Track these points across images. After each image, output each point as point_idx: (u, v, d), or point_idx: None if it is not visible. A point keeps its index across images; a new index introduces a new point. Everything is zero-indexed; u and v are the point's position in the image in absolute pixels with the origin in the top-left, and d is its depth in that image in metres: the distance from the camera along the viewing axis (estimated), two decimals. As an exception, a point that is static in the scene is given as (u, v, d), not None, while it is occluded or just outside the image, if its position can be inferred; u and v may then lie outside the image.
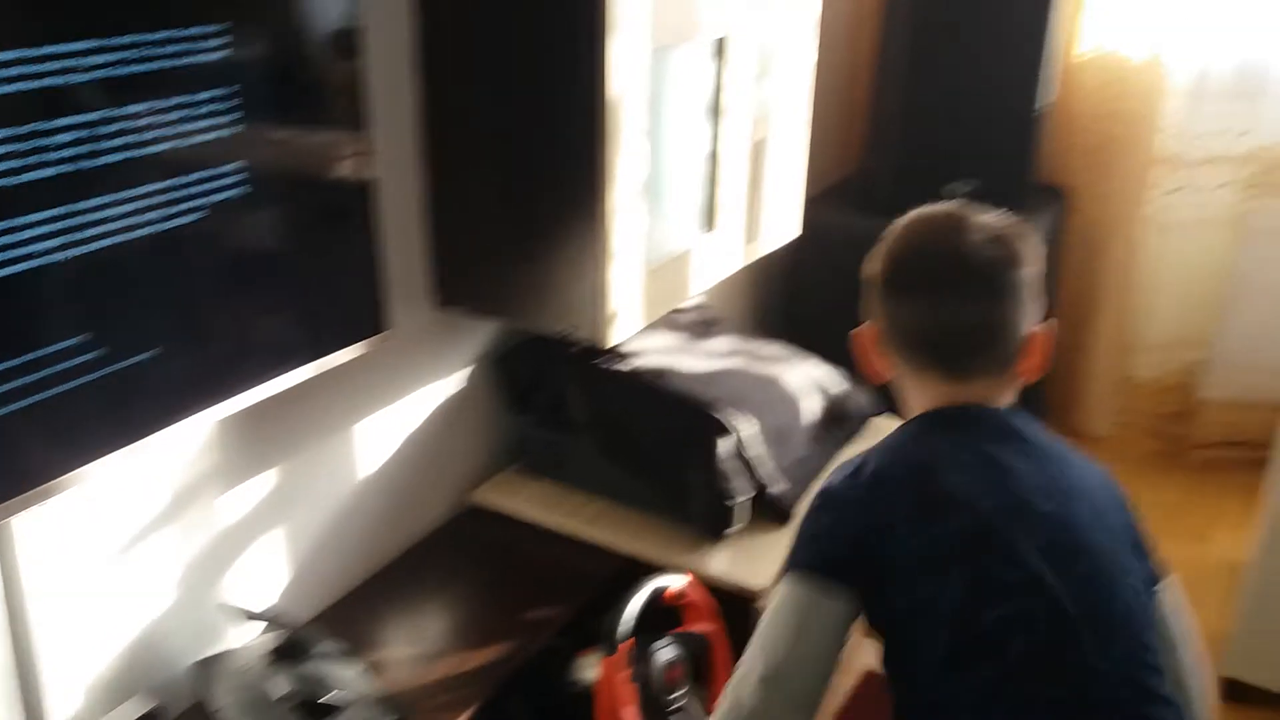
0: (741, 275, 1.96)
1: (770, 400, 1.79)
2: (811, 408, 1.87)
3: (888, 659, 1.06)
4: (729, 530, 1.66)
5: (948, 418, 1.11)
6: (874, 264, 1.15)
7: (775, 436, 1.73)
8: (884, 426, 2.03)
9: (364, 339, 1.39)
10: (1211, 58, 2.58)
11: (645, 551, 1.66)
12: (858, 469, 1.09)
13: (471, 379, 1.77)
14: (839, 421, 1.94)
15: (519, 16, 1.37)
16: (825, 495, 1.11)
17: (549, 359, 1.73)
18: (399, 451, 1.65)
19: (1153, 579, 1.09)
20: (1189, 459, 2.89)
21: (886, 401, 2.00)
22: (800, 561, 1.06)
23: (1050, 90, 2.46)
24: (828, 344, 2.48)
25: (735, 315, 2.65)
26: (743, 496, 1.65)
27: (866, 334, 1.17)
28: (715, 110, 1.64)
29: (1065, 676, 0.97)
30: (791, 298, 2.71)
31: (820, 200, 2.67)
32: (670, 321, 1.91)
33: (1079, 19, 2.64)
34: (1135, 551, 1.08)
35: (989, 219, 1.12)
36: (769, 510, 1.70)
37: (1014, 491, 1.03)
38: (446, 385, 1.72)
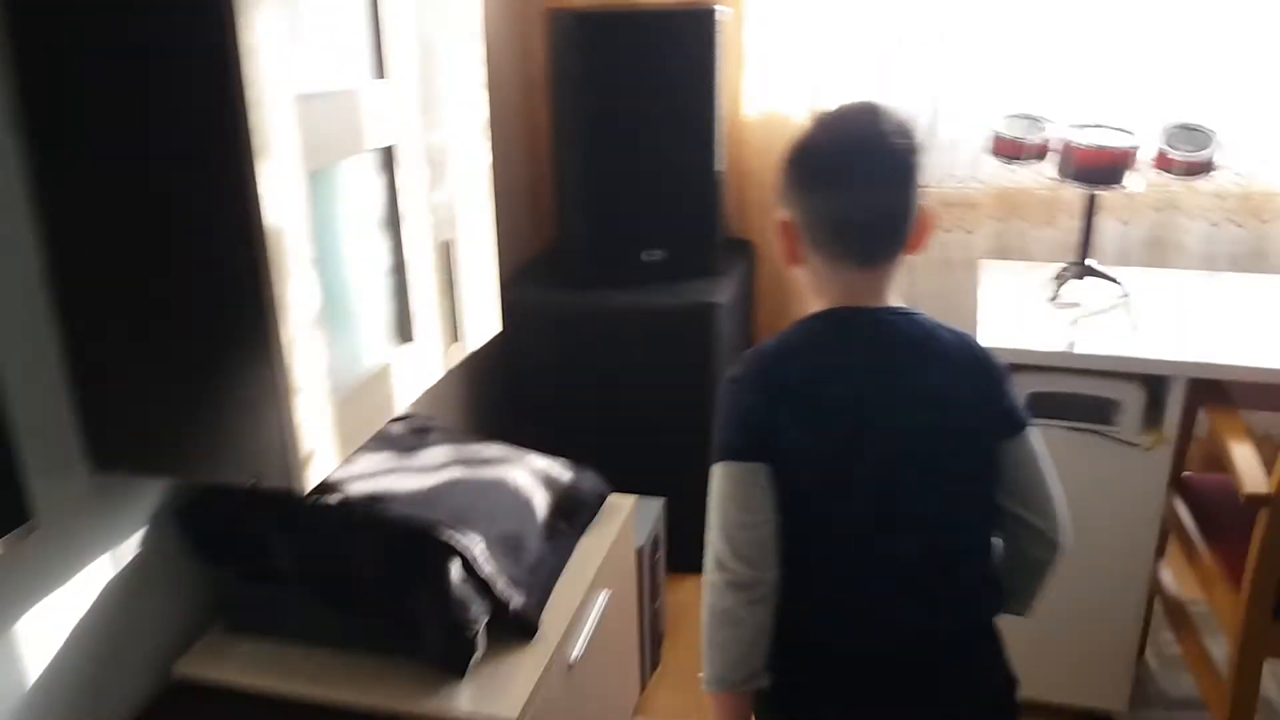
0: (452, 375, 1.87)
1: (496, 507, 1.70)
2: (540, 504, 1.80)
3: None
4: (471, 661, 1.55)
5: (842, 323, 1.24)
6: (792, 158, 1.23)
7: (507, 546, 1.65)
8: (617, 504, 2.01)
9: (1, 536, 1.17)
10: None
11: (380, 703, 1.52)
12: (761, 366, 1.25)
13: (149, 540, 1.56)
14: (571, 512, 1.88)
15: (156, 150, 1.21)
16: (731, 388, 1.26)
17: (241, 504, 1.56)
18: (76, 639, 1.42)
19: (1011, 430, 1.25)
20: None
21: (613, 482, 2.03)
22: (719, 453, 1.24)
23: (723, 152, 2.57)
24: (552, 417, 2.44)
25: (451, 416, 2.56)
26: (482, 621, 1.55)
27: (783, 223, 1.26)
28: (393, 219, 1.55)
29: (878, 562, 1.22)
30: (507, 383, 2.65)
31: (519, 280, 2.64)
32: (379, 437, 1.78)
33: (741, 83, 2.77)
34: (991, 419, 1.25)
35: (891, 111, 1.21)
36: (511, 627, 1.62)
37: (879, 406, 1.21)
38: (122, 552, 1.51)
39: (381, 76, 1.48)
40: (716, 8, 2.40)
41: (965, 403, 1.23)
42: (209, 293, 1.26)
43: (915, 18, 2.72)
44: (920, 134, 1.22)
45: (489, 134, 1.82)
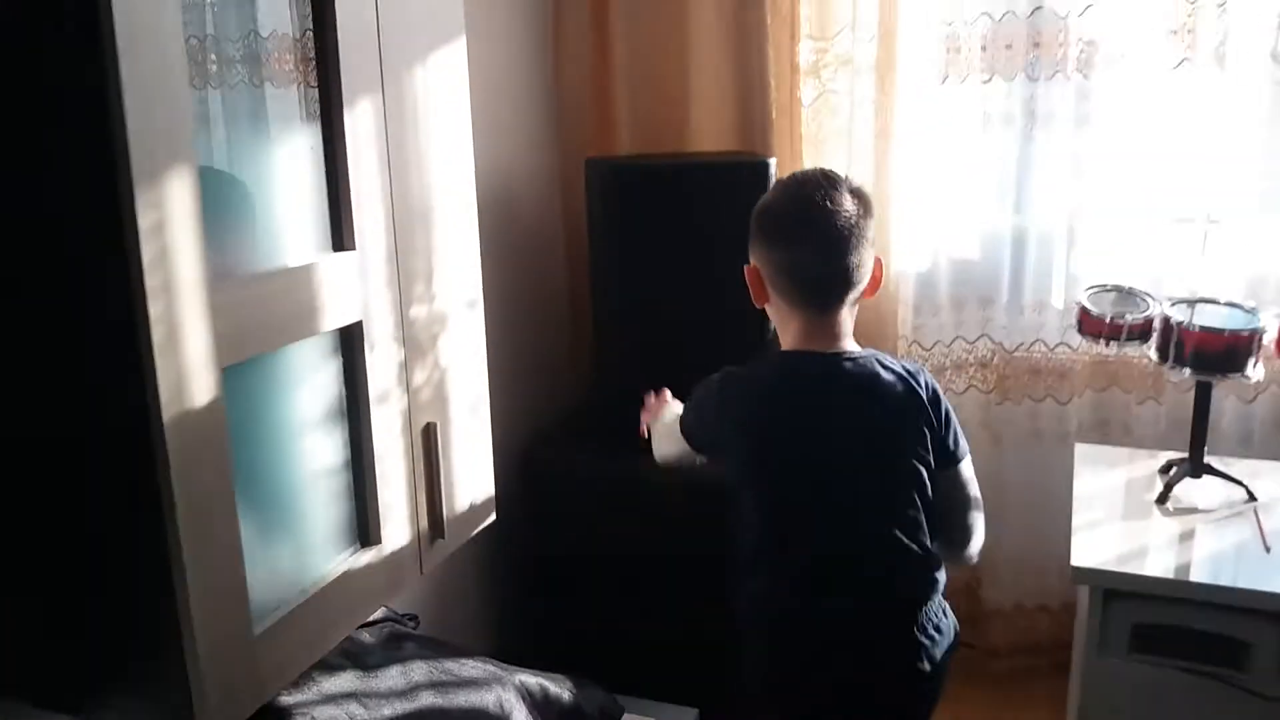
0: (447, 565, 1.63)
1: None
2: (529, 738, 1.52)
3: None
4: None
5: (795, 366, 1.49)
6: (758, 216, 1.52)
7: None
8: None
9: None
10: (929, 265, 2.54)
11: None
12: (739, 386, 1.54)
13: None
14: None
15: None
16: (713, 388, 1.57)
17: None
18: None
19: (947, 462, 1.48)
20: (989, 669, 2.70)
21: (638, 684, 1.75)
22: (682, 423, 1.64)
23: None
24: (573, 599, 2.15)
25: (450, 602, 2.31)
26: None
27: (751, 270, 1.53)
28: (358, 406, 1.34)
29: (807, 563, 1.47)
30: (526, 556, 2.39)
31: (548, 439, 2.41)
32: (343, 649, 1.54)
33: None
34: (925, 450, 1.45)
35: (845, 179, 1.47)
36: None
37: (816, 442, 1.45)
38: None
39: (343, 248, 1.29)
40: (770, 160, 2.20)
41: (901, 436, 1.44)
42: (97, 491, 1.06)
43: (993, 177, 2.47)
44: (870, 201, 1.47)
45: (482, 305, 1.61)
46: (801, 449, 1.45)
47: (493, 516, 1.70)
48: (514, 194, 2.50)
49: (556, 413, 2.62)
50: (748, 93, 2.48)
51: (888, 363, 1.48)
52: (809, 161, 2.51)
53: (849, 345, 1.49)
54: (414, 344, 1.44)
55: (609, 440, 2.30)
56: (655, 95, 2.54)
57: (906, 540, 1.44)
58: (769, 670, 1.52)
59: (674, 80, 2.51)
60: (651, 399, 1.85)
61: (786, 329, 1.52)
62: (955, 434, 1.49)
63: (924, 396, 1.46)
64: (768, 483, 1.48)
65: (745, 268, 1.52)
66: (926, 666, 1.46)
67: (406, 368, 1.43)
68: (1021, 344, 2.51)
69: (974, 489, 1.53)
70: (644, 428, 1.85)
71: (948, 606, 1.53)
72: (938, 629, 1.48)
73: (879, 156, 2.42)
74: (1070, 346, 2.48)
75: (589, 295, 2.43)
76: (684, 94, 2.51)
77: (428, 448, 1.49)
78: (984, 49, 2.37)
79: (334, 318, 1.28)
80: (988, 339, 2.55)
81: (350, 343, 1.33)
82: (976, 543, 1.54)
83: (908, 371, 1.48)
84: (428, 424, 1.49)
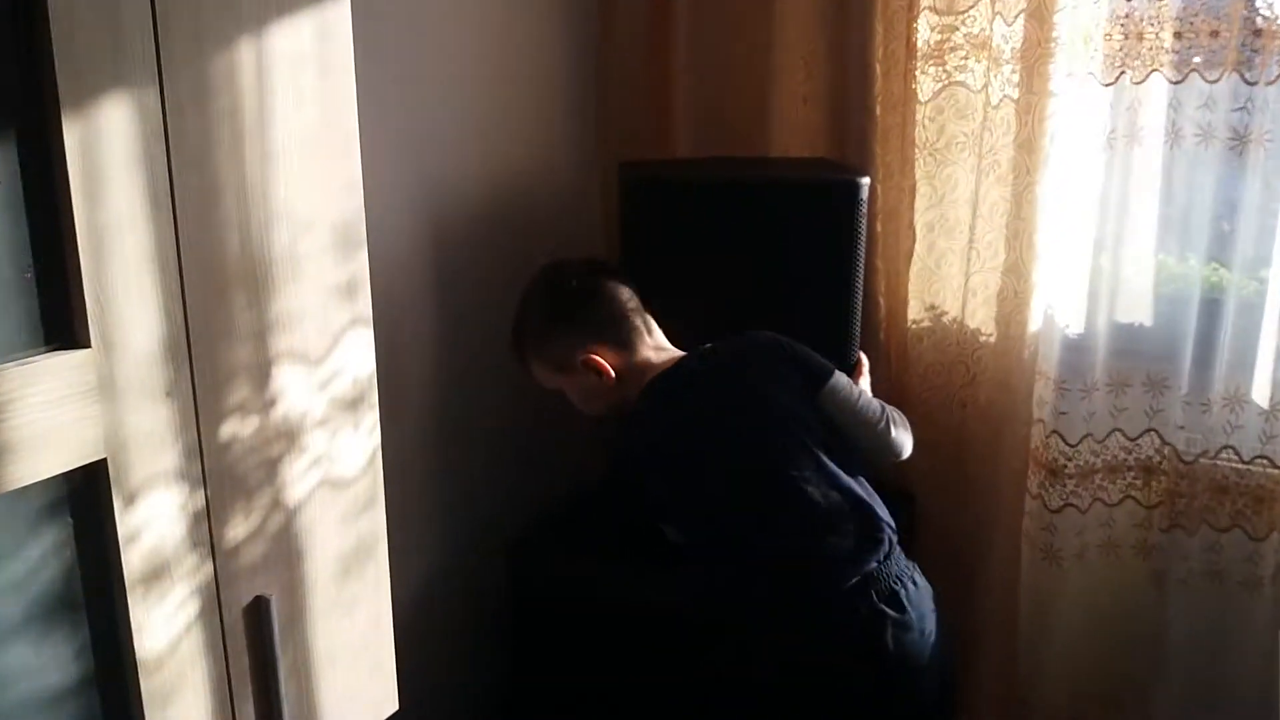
0: None
1: None
2: None
3: None
4: None
5: (664, 386, 1.55)
6: (558, 314, 1.60)
7: None
8: None
9: None
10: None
11: None
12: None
13: None
14: None
15: None
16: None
17: None
18: None
19: (815, 387, 1.53)
20: None
21: None
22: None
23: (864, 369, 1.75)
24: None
25: None
26: None
27: (588, 360, 1.56)
28: (105, 588, 0.84)
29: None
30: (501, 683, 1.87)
31: (544, 534, 1.88)
32: None
33: (908, 276, 1.95)
34: (799, 391, 1.52)
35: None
36: None
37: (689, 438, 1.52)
38: None
39: (68, 343, 0.79)
40: (862, 181, 1.60)
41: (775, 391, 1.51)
42: None
43: (1180, 213, 1.80)
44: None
45: (375, 402, 1.09)
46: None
47: (393, 707, 1.18)
48: (536, 206, 1.96)
49: (565, 495, 2.08)
50: (844, 82, 1.89)
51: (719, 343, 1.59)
52: (921, 181, 1.89)
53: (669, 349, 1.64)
54: (227, 480, 0.93)
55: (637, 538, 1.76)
56: (723, 83, 1.98)
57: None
58: None
59: (749, 66, 1.94)
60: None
61: (633, 375, 1.58)
62: (811, 359, 1.57)
63: (767, 345, 1.56)
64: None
65: (583, 364, 1.56)
66: None
67: (210, 518, 0.92)
68: (1205, 451, 1.85)
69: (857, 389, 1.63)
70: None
71: None
72: None
73: (1020, 175, 1.79)
74: (1274, 462, 1.80)
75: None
76: (761, 83, 1.93)
77: (255, 636, 0.98)
78: (1177, 35, 1.72)
79: (47, 459, 0.77)
80: (1156, 436, 1.89)
81: (88, 493, 0.83)
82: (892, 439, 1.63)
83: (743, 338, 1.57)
84: (256, 599, 0.97)
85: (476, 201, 1.78)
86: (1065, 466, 1.95)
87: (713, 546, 1.50)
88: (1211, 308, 1.80)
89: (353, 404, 1.05)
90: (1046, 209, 1.79)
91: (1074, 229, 1.84)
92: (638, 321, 1.58)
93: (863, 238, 1.63)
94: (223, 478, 0.92)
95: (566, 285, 1.58)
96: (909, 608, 1.43)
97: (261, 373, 0.94)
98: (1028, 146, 1.77)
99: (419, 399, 1.77)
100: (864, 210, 1.61)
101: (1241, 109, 1.67)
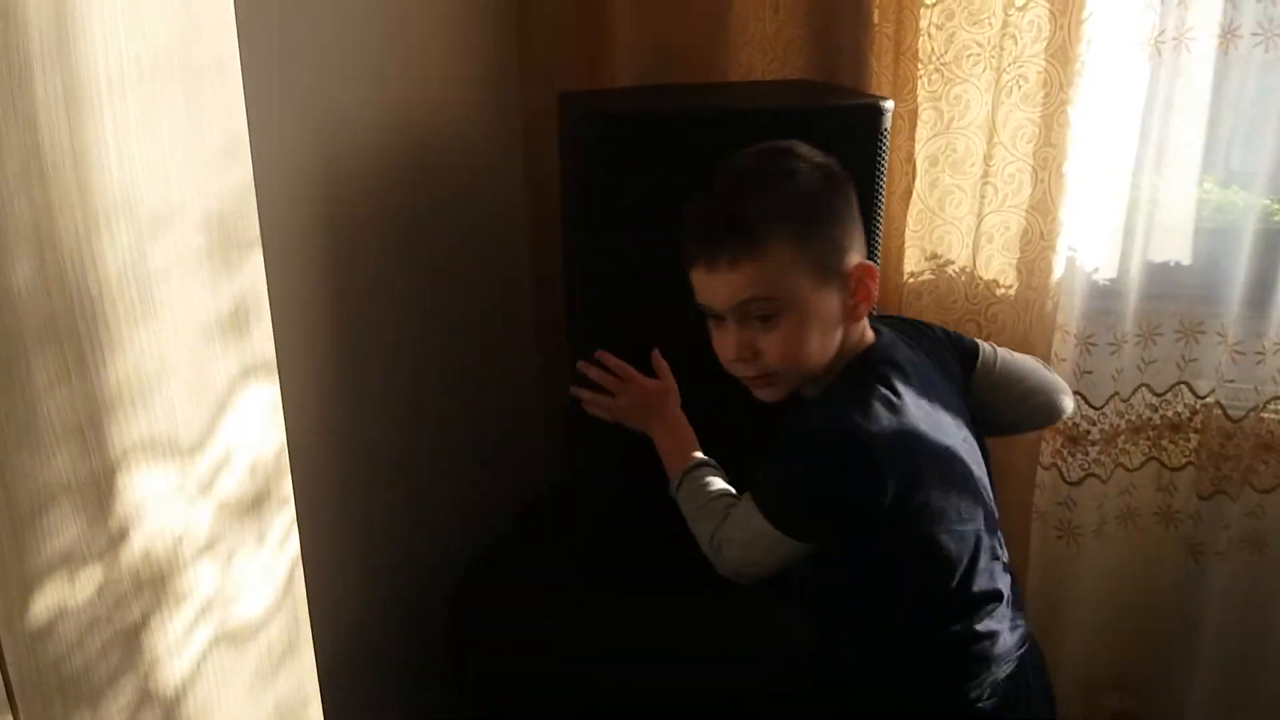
0: None
1: None
2: None
3: None
4: None
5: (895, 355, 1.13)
6: (829, 195, 1.06)
7: None
8: None
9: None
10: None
11: None
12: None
13: None
14: None
15: None
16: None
17: None
18: None
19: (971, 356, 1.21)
20: None
21: None
22: None
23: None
24: None
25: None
26: None
27: (865, 266, 1.08)
28: None
29: None
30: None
31: (494, 562, 1.51)
32: None
33: (907, 218, 1.63)
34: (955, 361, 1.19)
35: None
36: None
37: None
38: None
39: None
40: (886, 104, 1.25)
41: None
42: None
43: (1228, 130, 1.53)
44: None
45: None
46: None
47: None
48: (448, 151, 1.55)
49: (507, 514, 1.71)
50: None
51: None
52: (925, 103, 1.56)
53: None
54: (52, 690, 0.53)
55: (595, 564, 1.41)
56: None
57: None
58: None
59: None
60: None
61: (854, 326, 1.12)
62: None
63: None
64: None
65: (861, 268, 1.08)
66: None
67: None
68: (1251, 406, 1.61)
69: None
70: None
71: None
72: None
73: (1051, 92, 1.49)
74: (1337, 412, 1.58)
75: (564, 309, 1.51)
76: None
77: None
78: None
79: None
80: (1187, 390, 1.65)
81: None
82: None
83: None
84: None
85: (375, 152, 1.35)
86: (1088, 433, 1.69)
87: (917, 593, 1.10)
88: (1269, 241, 1.54)
89: (254, 505, 0.66)
90: (1078, 132, 1.49)
91: (1109, 155, 1.54)
92: None
93: (884, 177, 1.29)
94: (43, 688, 0.53)
95: (817, 158, 1.08)
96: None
97: (95, 488, 0.55)
98: (1061, 55, 1.46)
99: (324, 432, 1.31)
100: (887, 142, 1.27)
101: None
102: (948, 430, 1.08)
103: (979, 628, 1.10)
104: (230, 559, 0.64)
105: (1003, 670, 1.11)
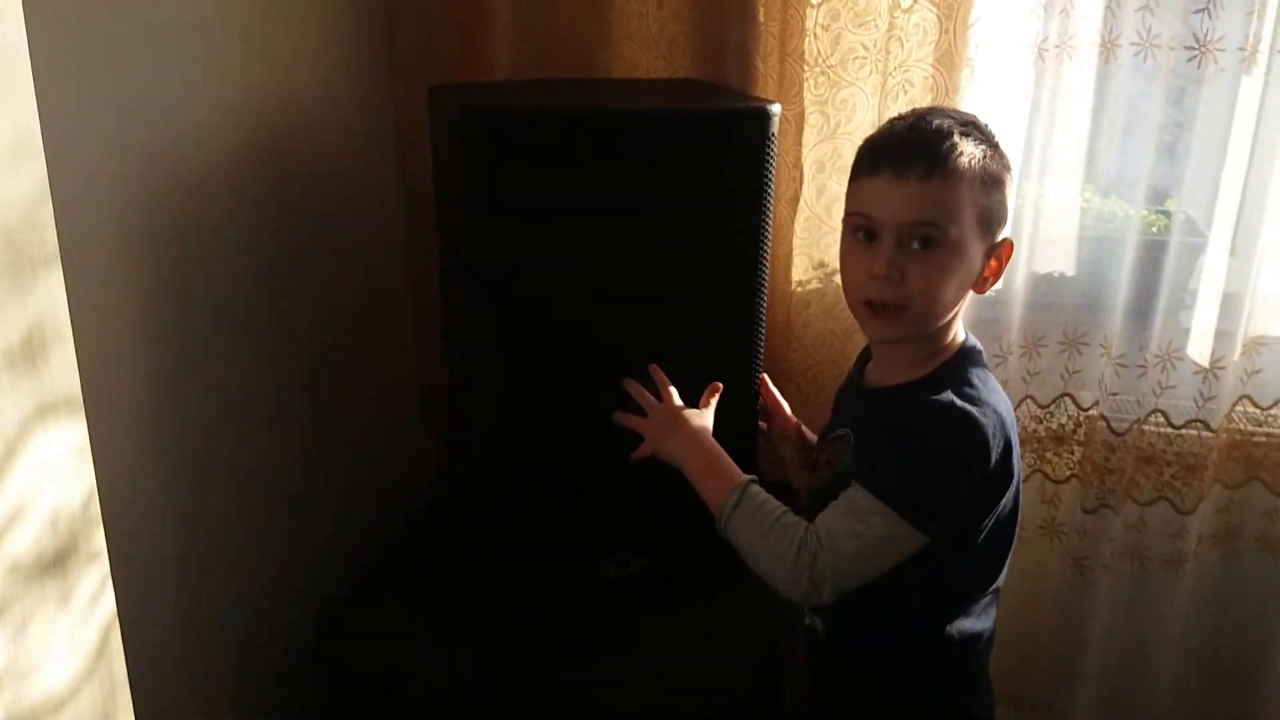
0: None
1: None
2: None
3: None
4: None
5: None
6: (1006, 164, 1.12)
7: None
8: None
9: None
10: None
11: None
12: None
13: None
14: None
15: None
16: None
17: None
18: None
19: None
20: None
21: None
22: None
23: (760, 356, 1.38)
24: None
25: None
26: None
27: (1008, 244, 1.14)
28: None
29: None
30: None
31: (360, 604, 1.42)
32: None
33: (794, 228, 1.60)
34: None
35: None
36: None
37: None
38: None
39: None
40: (773, 109, 1.21)
41: None
42: None
43: (1119, 139, 1.55)
44: None
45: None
46: None
47: None
48: (308, 147, 1.44)
49: (376, 540, 1.62)
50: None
51: None
52: (811, 107, 1.53)
53: None
54: None
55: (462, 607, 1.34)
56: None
57: None
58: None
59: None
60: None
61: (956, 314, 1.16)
62: None
63: None
64: None
65: (1007, 243, 1.14)
66: None
67: None
68: (1133, 418, 1.63)
69: None
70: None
71: None
72: None
73: (937, 98, 1.47)
74: (1208, 426, 1.61)
75: (443, 316, 1.43)
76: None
77: None
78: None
79: None
80: (1070, 403, 1.67)
81: None
82: None
83: None
84: None
85: (216, 150, 1.23)
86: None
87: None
88: (1151, 253, 1.56)
89: (55, 563, 0.57)
90: (965, 140, 1.48)
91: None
92: None
93: (772, 183, 1.26)
94: None
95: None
96: None
97: None
98: (947, 60, 1.45)
99: (152, 469, 1.15)
100: (774, 147, 1.23)
101: (1203, 10, 1.41)
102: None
103: (992, 611, 1.23)
104: (25, 626, 0.55)
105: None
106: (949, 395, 1.08)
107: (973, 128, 1.10)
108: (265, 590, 1.37)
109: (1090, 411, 1.67)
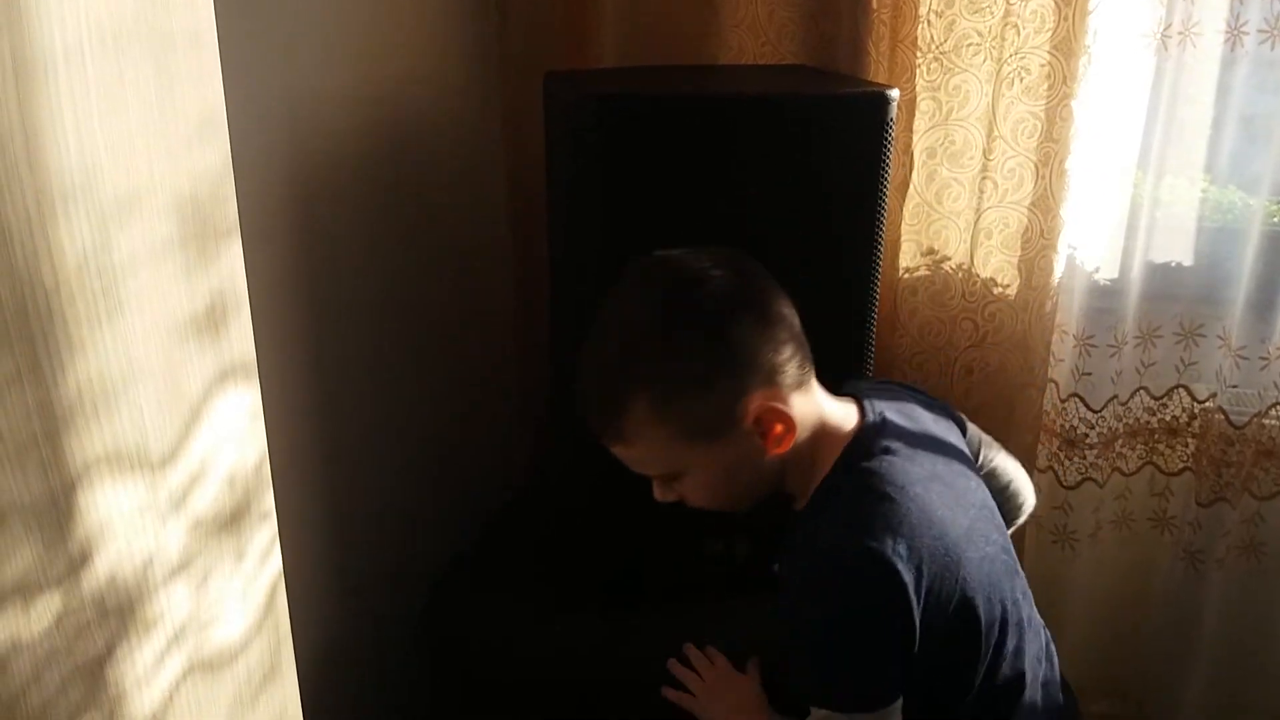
0: None
1: None
2: None
3: None
4: None
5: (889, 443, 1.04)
6: (710, 327, 0.95)
7: None
8: None
9: None
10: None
11: None
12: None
13: None
14: None
15: None
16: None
17: None
18: None
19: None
20: None
21: None
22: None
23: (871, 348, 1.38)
24: None
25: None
26: None
27: (770, 408, 0.96)
28: None
29: None
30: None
31: (452, 583, 1.45)
32: None
33: (903, 212, 1.59)
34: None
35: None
36: None
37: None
38: None
39: None
40: (892, 93, 1.21)
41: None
42: None
43: (1237, 125, 1.51)
44: None
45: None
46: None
47: None
48: (427, 131, 1.48)
49: (486, 511, 1.65)
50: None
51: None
52: (923, 93, 1.52)
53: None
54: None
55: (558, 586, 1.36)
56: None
57: None
58: None
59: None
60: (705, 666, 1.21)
61: (819, 434, 1.02)
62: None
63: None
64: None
65: (761, 410, 0.96)
66: None
67: None
68: (1253, 411, 1.59)
69: None
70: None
71: None
72: None
73: (1054, 85, 1.45)
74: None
75: (546, 305, 1.46)
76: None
77: None
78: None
79: None
80: (1185, 394, 1.63)
81: None
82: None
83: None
84: None
85: (351, 135, 1.28)
86: (1086, 436, 1.66)
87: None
88: (1275, 242, 1.52)
89: (232, 521, 0.60)
90: (1081, 128, 1.45)
91: (1111, 152, 1.51)
92: (805, 348, 1.01)
93: (889, 169, 1.25)
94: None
95: (699, 292, 0.96)
96: None
97: (53, 508, 0.49)
98: (1065, 47, 1.42)
99: (304, 438, 1.23)
100: (892, 133, 1.23)
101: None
102: (967, 498, 1.02)
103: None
104: (206, 580, 0.59)
105: None
106: (837, 536, 0.93)
107: (652, 335, 0.96)
108: (387, 554, 1.42)
109: (1206, 404, 1.63)
